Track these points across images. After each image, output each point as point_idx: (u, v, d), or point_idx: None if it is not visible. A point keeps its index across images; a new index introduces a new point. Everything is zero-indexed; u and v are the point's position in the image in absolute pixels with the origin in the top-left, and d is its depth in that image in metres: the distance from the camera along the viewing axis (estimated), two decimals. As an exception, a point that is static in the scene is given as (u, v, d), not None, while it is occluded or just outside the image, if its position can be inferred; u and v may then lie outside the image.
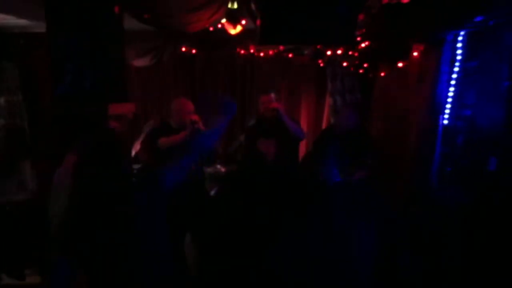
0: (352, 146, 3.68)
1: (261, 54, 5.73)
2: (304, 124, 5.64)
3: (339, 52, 4.62)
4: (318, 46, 4.69)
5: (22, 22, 4.28)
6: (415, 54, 3.94)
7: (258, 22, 3.05)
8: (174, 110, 3.65)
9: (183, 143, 3.51)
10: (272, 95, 3.80)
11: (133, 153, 4.37)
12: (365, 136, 4.00)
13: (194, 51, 5.42)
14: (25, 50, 4.86)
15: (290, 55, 5.69)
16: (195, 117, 3.54)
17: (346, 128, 3.87)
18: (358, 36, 3.88)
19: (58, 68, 2.94)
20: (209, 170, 4.91)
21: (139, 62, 5.02)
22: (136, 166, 4.82)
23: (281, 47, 5.48)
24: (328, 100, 5.50)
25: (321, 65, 5.41)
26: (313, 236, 1.53)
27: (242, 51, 5.61)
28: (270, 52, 5.70)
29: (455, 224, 3.45)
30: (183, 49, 5.31)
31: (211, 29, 4.10)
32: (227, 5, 3.30)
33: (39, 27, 4.14)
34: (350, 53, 4.51)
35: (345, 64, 4.82)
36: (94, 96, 2.96)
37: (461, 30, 3.44)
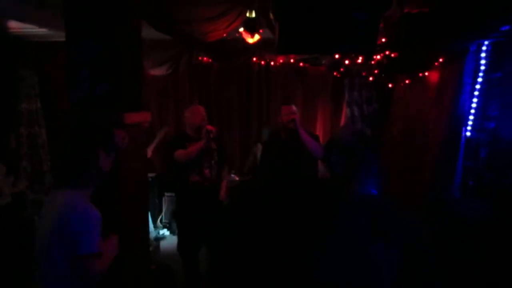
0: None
1: (278, 64, 5.71)
2: (320, 135, 5.57)
3: (358, 61, 4.56)
4: (336, 56, 4.63)
5: (42, 31, 4.34)
6: (436, 64, 3.86)
7: (276, 31, 3.02)
8: (188, 118, 3.73)
9: (198, 153, 3.51)
10: (293, 106, 3.75)
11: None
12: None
13: (210, 60, 5.43)
14: (44, 58, 4.93)
15: (307, 65, 5.66)
16: (210, 127, 3.57)
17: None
18: (378, 45, 3.81)
19: (75, 75, 2.94)
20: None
21: (156, 71, 5.04)
22: (150, 175, 4.82)
23: (298, 57, 5.45)
24: (345, 111, 5.42)
25: (338, 75, 5.35)
26: (336, 252, 1.45)
27: (258, 61, 5.60)
28: (287, 62, 5.68)
29: (478, 238, 3.33)
30: (200, 58, 5.32)
31: (228, 38, 4.09)
32: (245, 14, 3.28)
33: (59, 36, 4.19)
34: (368, 63, 4.44)
35: (363, 74, 4.74)
36: (110, 104, 2.94)
37: (486, 40, 3.35)
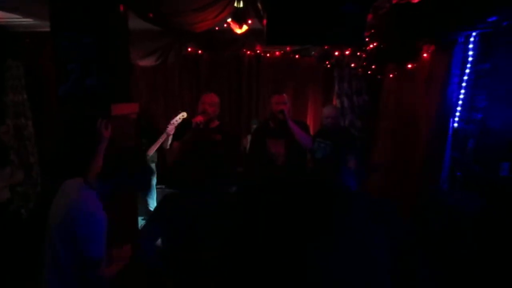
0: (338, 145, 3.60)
1: (268, 55, 5.68)
2: (311, 126, 5.57)
3: (346, 53, 4.55)
4: (326, 47, 4.62)
5: (28, 21, 4.26)
6: (424, 55, 3.86)
7: (264, 21, 2.99)
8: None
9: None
10: (285, 95, 3.72)
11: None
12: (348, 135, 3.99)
13: (199, 51, 5.38)
14: (31, 49, 4.84)
15: (297, 56, 5.63)
16: (199, 119, 3.49)
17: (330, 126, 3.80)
18: (367, 36, 3.80)
19: (62, 67, 2.90)
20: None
21: (144, 62, 4.98)
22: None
23: (288, 48, 5.43)
24: (335, 102, 5.42)
25: (328, 66, 5.34)
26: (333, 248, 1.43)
27: (248, 52, 5.57)
28: (277, 53, 5.65)
29: (466, 229, 3.36)
30: (189, 49, 5.27)
31: (217, 28, 4.05)
32: (233, 4, 3.24)
33: (45, 26, 4.12)
34: (358, 54, 4.44)
35: (352, 65, 4.74)
36: (98, 96, 2.91)
37: (473, 31, 3.36)
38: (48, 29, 2.96)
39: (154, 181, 4.76)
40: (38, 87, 4.95)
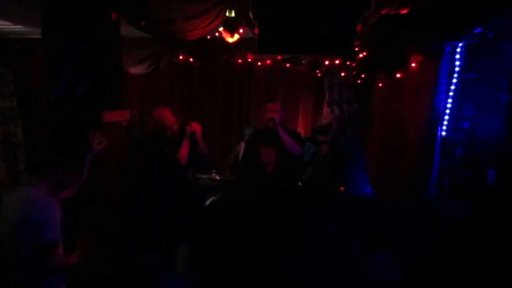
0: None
1: (259, 64, 5.73)
2: (301, 133, 5.61)
3: (337, 62, 4.61)
4: (316, 56, 4.67)
5: (18, 28, 4.25)
6: (413, 65, 3.93)
7: (256, 30, 3.03)
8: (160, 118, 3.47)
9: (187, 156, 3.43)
10: (278, 104, 3.77)
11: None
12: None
13: (191, 59, 5.41)
14: (20, 55, 4.82)
15: (288, 65, 5.69)
16: (194, 126, 3.44)
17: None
18: (356, 46, 3.86)
19: (53, 74, 2.89)
20: (204, 177, 4.86)
21: (136, 70, 4.99)
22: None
23: (279, 57, 5.48)
24: (326, 110, 5.47)
25: (319, 75, 5.40)
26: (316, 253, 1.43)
27: (240, 60, 5.61)
28: (268, 62, 5.70)
29: (453, 236, 3.40)
30: (180, 57, 5.30)
31: (208, 37, 4.08)
32: (225, 13, 3.28)
33: (35, 33, 4.11)
34: (348, 63, 4.50)
35: (342, 74, 4.80)
36: (89, 103, 2.91)
37: (460, 41, 3.43)
38: (38, 36, 2.95)
39: None
40: (27, 94, 4.92)
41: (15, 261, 1.98)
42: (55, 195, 2.08)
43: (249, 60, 5.63)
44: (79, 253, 2.06)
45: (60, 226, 1.99)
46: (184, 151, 3.39)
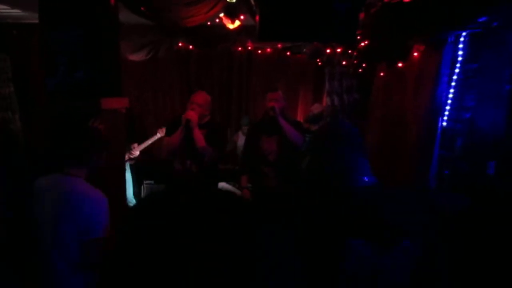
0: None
1: (259, 52, 5.68)
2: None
3: (338, 50, 4.57)
4: (317, 45, 4.63)
5: (16, 12, 4.19)
6: (415, 54, 3.89)
7: (257, 17, 2.99)
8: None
9: (179, 142, 3.43)
10: (279, 93, 3.73)
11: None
12: None
13: (190, 47, 5.36)
14: (18, 41, 4.76)
15: (289, 53, 5.64)
16: (191, 114, 3.42)
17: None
18: (358, 35, 3.81)
19: (50, 60, 2.85)
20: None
21: (134, 57, 4.94)
22: (130, 162, 4.76)
23: (280, 45, 5.43)
24: (326, 100, 5.44)
25: (319, 64, 5.35)
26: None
27: (240, 48, 5.55)
28: (268, 50, 5.64)
29: (452, 228, 3.40)
30: (180, 44, 5.24)
31: (208, 24, 4.02)
32: (225, -1, 3.23)
33: (33, 17, 4.05)
34: (349, 52, 4.45)
35: (343, 63, 4.76)
36: (87, 90, 2.87)
37: (463, 31, 3.38)
38: (36, 21, 2.91)
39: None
40: (25, 80, 4.87)
41: (57, 251, 1.94)
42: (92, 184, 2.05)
43: (249, 48, 5.58)
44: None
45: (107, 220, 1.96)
46: (173, 138, 3.39)
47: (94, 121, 2.51)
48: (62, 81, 2.87)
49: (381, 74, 4.38)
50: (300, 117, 5.84)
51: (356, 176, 1.48)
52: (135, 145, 4.70)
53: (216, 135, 3.56)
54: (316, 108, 4.32)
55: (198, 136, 3.40)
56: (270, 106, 3.57)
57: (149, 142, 4.73)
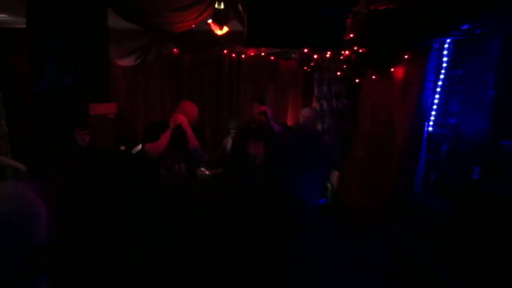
0: None
1: (248, 57, 5.70)
2: (290, 129, 5.62)
3: (326, 56, 4.61)
4: (306, 50, 4.67)
5: (2, 17, 4.15)
6: (402, 60, 3.95)
7: (244, 23, 3.00)
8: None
9: (166, 145, 3.41)
10: (267, 107, 3.78)
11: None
12: None
13: (179, 52, 5.35)
14: (4, 45, 4.72)
15: (276, 59, 5.67)
16: (179, 116, 3.41)
17: None
18: (346, 41, 3.86)
19: (38, 65, 2.83)
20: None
21: (124, 62, 4.93)
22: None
23: (268, 50, 5.46)
24: (315, 105, 5.48)
25: (308, 70, 5.40)
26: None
27: (228, 53, 5.57)
28: (257, 55, 5.67)
29: (438, 231, 3.45)
30: (169, 49, 5.24)
31: (196, 29, 4.03)
32: (214, 5, 3.24)
33: (19, 22, 4.01)
34: (337, 58, 4.50)
35: (332, 69, 4.81)
36: (74, 95, 2.86)
37: (448, 38, 3.46)
38: (22, 26, 2.89)
39: None
40: (12, 85, 4.82)
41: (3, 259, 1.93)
42: (42, 196, 2.04)
43: (239, 53, 5.60)
44: None
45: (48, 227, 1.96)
46: (161, 141, 3.34)
47: (81, 129, 2.50)
48: (49, 86, 2.85)
49: (369, 80, 4.43)
50: (289, 121, 5.86)
51: (304, 196, 1.42)
52: (123, 148, 4.69)
53: (199, 136, 3.58)
54: (306, 113, 4.34)
55: (192, 135, 3.40)
56: (263, 110, 3.62)
57: (138, 147, 4.72)
